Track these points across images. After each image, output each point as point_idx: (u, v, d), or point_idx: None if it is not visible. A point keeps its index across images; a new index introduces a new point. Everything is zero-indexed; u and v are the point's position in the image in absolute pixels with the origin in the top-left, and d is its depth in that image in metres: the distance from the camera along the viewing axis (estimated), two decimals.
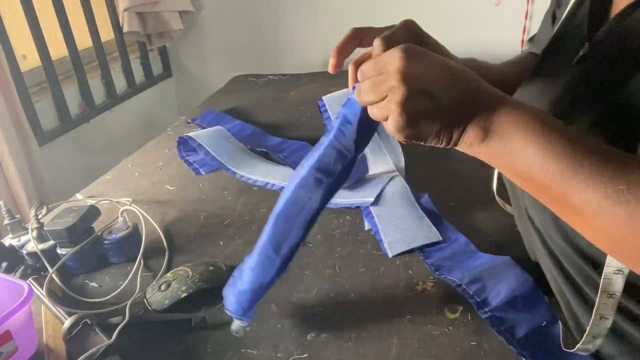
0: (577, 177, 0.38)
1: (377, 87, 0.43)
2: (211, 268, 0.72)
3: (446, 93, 0.42)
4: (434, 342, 0.59)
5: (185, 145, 1.16)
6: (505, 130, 0.42)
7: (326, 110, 1.13)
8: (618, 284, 0.45)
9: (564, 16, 0.66)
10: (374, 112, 0.45)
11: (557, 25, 0.67)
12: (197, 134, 1.13)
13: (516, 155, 0.41)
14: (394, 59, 0.42)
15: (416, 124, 0.42)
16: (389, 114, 0.43)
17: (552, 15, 0.74)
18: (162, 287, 0.69)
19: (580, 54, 0.55)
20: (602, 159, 0.38)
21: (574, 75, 0.55)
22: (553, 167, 0.39)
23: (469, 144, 0.43)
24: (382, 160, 1.00)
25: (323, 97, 1.20)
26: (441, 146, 0.45)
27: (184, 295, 0.68)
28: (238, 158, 1.09)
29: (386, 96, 0.43)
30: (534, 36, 0.79)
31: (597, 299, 0.46)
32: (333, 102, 1.16)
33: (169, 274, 0.72)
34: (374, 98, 0.44)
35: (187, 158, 1.13)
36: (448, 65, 0.44)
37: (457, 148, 0.45)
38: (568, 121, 0.49)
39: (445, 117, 0.43)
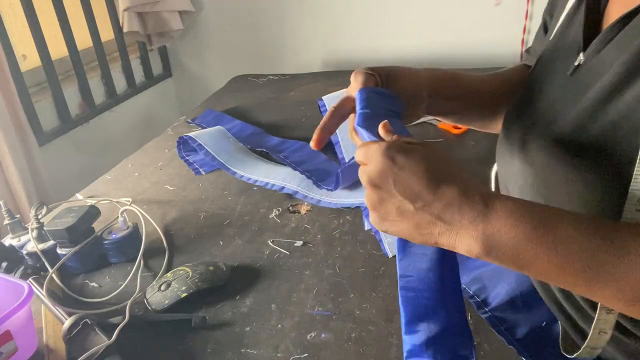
0: (600, 277, 0.37)
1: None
2: (211, 268, 0.72)
3: (424, 208, 0.42)
4: None
5: (185, 145, 1.16)
6: (507, 246, 0.40)
7: (326, 110, 1.13)
8: None
9: (557, 27, 0.65)
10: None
11: (551, 37, 0.67)
12: (197, 134, 1.13)
13: (526, 265, 0.40)
14: (366, 172, 0.44)
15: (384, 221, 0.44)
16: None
17: (544, 27, 0.73)
18: (162, 287, 0.69)
19: (575, 64, 0.55)
20: (615, 243, 0.37)
21: (571, 86, 0.55)
22: (573, 274, 0.38)
23: (466, 253, 0.41)
24: None
25: (323, 97, 1.20)
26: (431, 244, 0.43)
27: (184, 295, 0.68)
28: (238, 158, 1.09)
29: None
30: (529, 48, 0.79)
31: (596, 315, 0.45)
32: (333, 102, 1.17)
33: (169, 274, 0.72)
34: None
35: (187, 158, 1.13)
36: (434, 170, 0.43)
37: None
38: (571, 134, 0.49)
39: (420, 233, 0.43)
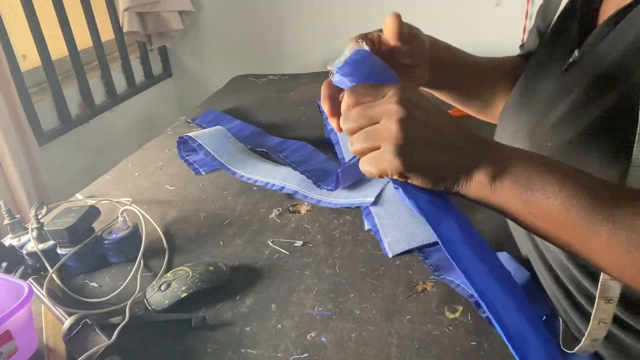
0: (602, 213, 0.37)
1: (373, 139, 0.41)
2: (211, 268, 0.72)
3: (449, 137, 0.41)
4: (434, 342, 0.59)
5: (185, 145, 1.16)
6: (521, 169, 0.40)
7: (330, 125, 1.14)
8: (615, 289, 0.44)
9: (551, 26, 0.66)
10: (368, 161, 0.42)
11: (546, 35, 0.67)
12: (197, 133, 1.13)
13: (534, 195, 0.39)
14: (390, 110, 0.40)
15: (417, 168, 0.41)
16: (385, 163, 0.41)
17: (537, 30, 0.74)
18: (162, 287, 0.69)
19: (570, 60, 0.55)
20: (622, 195, 0.38)
21: (566, 81, 0.55)
22: (577, 206, 0.38)
23: (479, 185, 0.41)
24: None
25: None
26: (443, 189, 0.42)
27: (184, 295, 0.68)
28: (238, 158, 1.09)
29: (379, 146, 0.41)
30: (523, 44, 0.80)
31: (595, 305, 0.45)
32: None
33: (169, 274, 0.72)
34: (368, 145, 0.42)
35: (187, 158, 1.13)
36: (448, 114, 0.43)
37: (464, 192, 0.42)
38: (565, 128, 0.49)
39: (448, 156, 0.41)
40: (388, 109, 0.40)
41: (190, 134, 1.12)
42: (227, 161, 1.07)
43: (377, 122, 0.41)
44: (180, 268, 0.73)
